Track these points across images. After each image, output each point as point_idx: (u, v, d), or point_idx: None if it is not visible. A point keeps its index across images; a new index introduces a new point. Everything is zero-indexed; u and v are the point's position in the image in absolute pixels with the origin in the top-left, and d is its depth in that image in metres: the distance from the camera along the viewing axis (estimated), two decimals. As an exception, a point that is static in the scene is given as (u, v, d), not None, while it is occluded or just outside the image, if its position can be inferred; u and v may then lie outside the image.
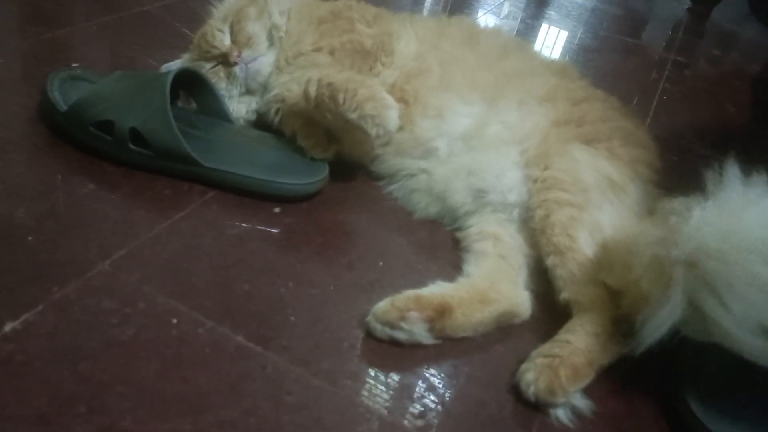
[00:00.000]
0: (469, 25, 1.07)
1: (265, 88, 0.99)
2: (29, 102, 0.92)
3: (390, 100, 0.84)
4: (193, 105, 0.97)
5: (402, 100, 0.94)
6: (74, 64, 1.01)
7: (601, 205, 0.81)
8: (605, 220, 0.80)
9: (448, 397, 0.66)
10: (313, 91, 0.86)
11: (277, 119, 0.96)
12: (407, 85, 0.94)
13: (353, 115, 0.82)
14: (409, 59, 0.98)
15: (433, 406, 0.65)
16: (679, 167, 1.18)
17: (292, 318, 0.70)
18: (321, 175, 0.88)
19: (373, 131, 0.83)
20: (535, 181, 0.84)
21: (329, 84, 0.84)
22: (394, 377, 0.67)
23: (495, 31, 1.15)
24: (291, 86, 0.93)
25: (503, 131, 0.90)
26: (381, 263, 0.81)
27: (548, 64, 1.04)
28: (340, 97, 0.82)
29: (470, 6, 1.90)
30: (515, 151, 0.88)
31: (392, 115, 0.83)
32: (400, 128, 0.93)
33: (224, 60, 0.97)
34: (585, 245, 0.77)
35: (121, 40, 1.18)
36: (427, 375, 0.68)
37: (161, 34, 1.24)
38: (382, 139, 0.88)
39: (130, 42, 1.18)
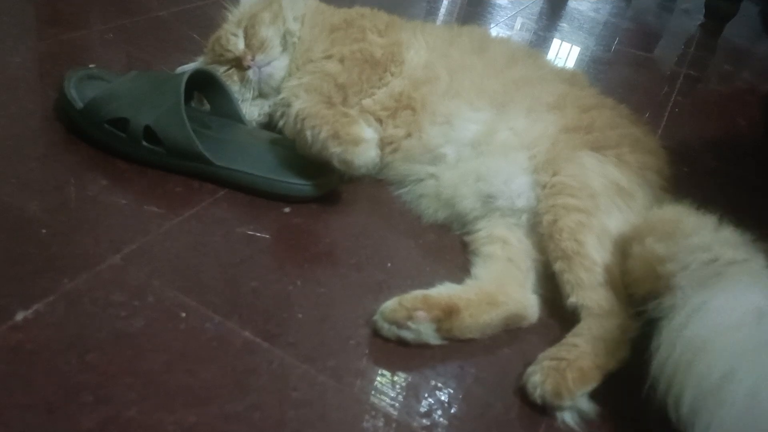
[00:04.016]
0: (479, 34, 1.08)
1: (278, 91, 1.00)
2: (45, 100, 0.93)
3: (359, 134, 0.83)
4: (207, 106, 0.98)
5: (410, 107, 0.94)
6: (91, 65, 1.02)
7: (610, 211, 0.81)
8: (613, 225, 0.80)
9: (454, 397, 0.66)
10: (291, 124, 0.87)
11: (281, 122, 0.97)
12: (415, 93, 0.95)
13: (323, 153, 0.83)
14: (419, 68, 0.98)
15: (438, 406, 0.65)
16: (689, 178, 1.18)
17: (300, 315, 0.70)
18: (331, 176, 0.88)
19: (341, 167, 0.83)
20: (544, 186, 0.84)
21: (302, 120, 0.85)
22: (401, 376, 0.67)
23: (504, 40, 1.15)
24: (298, 91, 0.94)
25: (512, 137, 0.90)
26: (389, 264, 0.81)
27: (558, 72, 1.05)
28: (308, 134, 0.84)
29: (483, 18, 1.91)
30: (524, 157, 0.88)
31: (361, 150, 0.82)
32: (408, 135, 0.94)
33: (238, 64, 0.98)
34: (593, 250, 0.77)
35: (137, 44, 1.19)
36: (434, 375, 0.68)
37: (176, 38, 1.26)
38: (359, 171, 0.84)
39: (146, 45, 1.19)
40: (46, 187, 0.79)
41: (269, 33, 0.99)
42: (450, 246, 0.88)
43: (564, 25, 2.04)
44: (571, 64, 1.76)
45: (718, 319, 0.60)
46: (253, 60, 0.97)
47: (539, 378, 0.66)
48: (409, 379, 0.67)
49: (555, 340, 0.72)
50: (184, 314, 0.67)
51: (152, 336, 0.63)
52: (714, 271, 0.65)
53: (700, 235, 0.70)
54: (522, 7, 2.07)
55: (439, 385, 0.67)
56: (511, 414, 0.66)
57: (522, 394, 0.67)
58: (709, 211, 0.74)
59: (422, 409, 0.64)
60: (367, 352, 0.68)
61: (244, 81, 0.98)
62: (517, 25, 1.94)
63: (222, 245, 0.77)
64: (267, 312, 0.70)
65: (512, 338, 0.75)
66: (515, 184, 0.87)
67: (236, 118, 0.96)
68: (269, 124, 1.01)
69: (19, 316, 0.62)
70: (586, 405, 0.66)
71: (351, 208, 0.90)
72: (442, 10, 1.95)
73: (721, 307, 0.61)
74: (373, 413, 0.62)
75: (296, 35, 1.02)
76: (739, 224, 0.71)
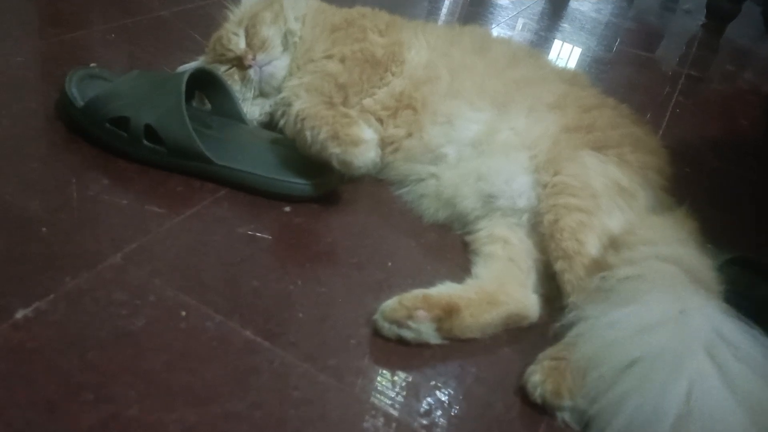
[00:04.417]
0: (480, 34, 1.08)
1: (279, 91, 1.00)
2: (47, 100, 0.93)
3: (359, 135, 0.83)
4: (208, 105, 0.98)
5: (410, 107, 0.94)
6: (92, 64, 1.03)
7: (611, 211, 0.81)
8: (614, 225, 0.80)
9: (455, 397, 0.66)
10: (291, 124, 0.87)
11: (282, 122, 0.96)
12: (416, 93, 0.95)
13: (323, 154, 0.83)
14: (420, 67, 0.98)
15: (438, 405, 0.65)
16: (691, 178, 1.18)
17: (300, 315, 0.71)
18: (331, 176, 0.88)
19: (341, 168, 0.84)
20: (545, 186, 0.84)
21: (302, 120, 0.85)
22: (401, 375, 0.67)
23: (505, 40, 1.15)
24: (298, 91, 0.94)
25: (513, 137, 0.90)
26: (389, 264, 0.81)
27: (559, 72, 1.04)
28: (308, 134, 0.84)
29: (484, 18, 1.91)
30: (525, 157, 0.88)
31: (360, 151, 0.82)
32: (409, 135, 0.94)
33: (239, 63, 0.98)
34: (593, 250, 0.77)
35: (138, 43, 1.19)
36: (434, 374, 0.68)
37: (177, 38, 1.26)
38: (358, 171, 0.84)
39: (147, 45, 1.19)
40: (47, 186, 0.79)
41: (270, 32, 0.99)
42: (451, 245, 0.88)
43: (565, 26, 2.04)
44: (572, 64, 1.76)
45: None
46: (254, 59, 0.97)
47: (539, 378, 0.66)
48: (410, 379, 0.67)
49: (555, 339, 0.71)
50: (184, 313, 0.67)
51: (153, 335, 0.64)
52: (604, 287, 0.69)
53: (629, 250, 0.73)
54: (523, 8, 2.07)
55: (440, 384, 0.67)
56: (511, 413, 0.66)
57: (522, 393, 0.67)
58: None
59: (422, 409, 0.64)
60: (367, 351, 0.68)
61: (245, 80, 0.98)
62: (519, 26, 1.94)
63: (223, 244, 0.78)
64: (268, 311, 0.70)
65: (513, 338, 0.75)
66: (516, 184, 0.87)
67: (237, 117, 0.96)
68: (270, 124, 1.01)
69: (20, 315, 0.62)
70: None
71: (352, 208, 0.91)
72: (444, 10, 1.95)
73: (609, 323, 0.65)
74: (374, 412, 0.62)
75: (297, 35, 1.02)
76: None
